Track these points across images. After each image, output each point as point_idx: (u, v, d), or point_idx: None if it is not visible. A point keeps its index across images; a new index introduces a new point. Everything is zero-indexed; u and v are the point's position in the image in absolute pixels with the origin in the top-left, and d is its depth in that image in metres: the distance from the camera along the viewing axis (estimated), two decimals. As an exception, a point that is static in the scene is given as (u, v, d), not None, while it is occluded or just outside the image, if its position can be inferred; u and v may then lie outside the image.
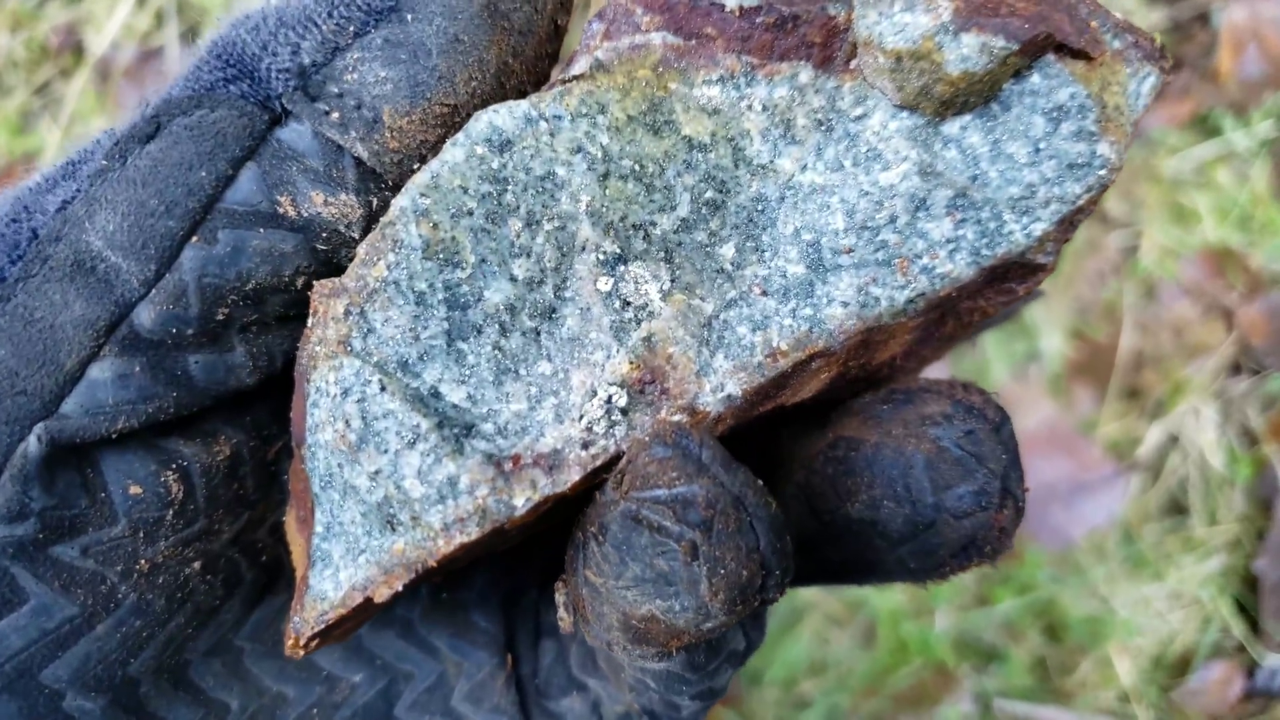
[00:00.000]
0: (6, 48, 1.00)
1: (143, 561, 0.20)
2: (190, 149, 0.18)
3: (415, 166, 0.20)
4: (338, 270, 0.21)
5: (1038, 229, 0.21)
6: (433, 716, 0.25)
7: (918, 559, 0.21)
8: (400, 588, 0.20)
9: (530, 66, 0.21)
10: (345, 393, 0.19)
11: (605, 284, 0.21)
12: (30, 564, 0.18)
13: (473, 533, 0.20)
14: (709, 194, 0.21)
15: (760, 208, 0.22)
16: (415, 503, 0.20)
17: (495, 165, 0.20)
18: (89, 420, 0.18)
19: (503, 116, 0.20)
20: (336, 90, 0.18)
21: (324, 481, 0.20)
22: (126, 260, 0.18)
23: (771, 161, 0.22)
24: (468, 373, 0.20)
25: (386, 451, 0.20)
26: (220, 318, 0.19)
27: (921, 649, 0.79)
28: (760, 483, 0.19)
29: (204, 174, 0.18)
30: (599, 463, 0.20)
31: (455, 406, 0.20)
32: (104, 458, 0.19)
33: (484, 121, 0.19)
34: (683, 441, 0.18)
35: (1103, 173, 0.21)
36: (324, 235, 0.19)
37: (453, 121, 0.19)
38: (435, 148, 0.20)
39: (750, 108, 0.21)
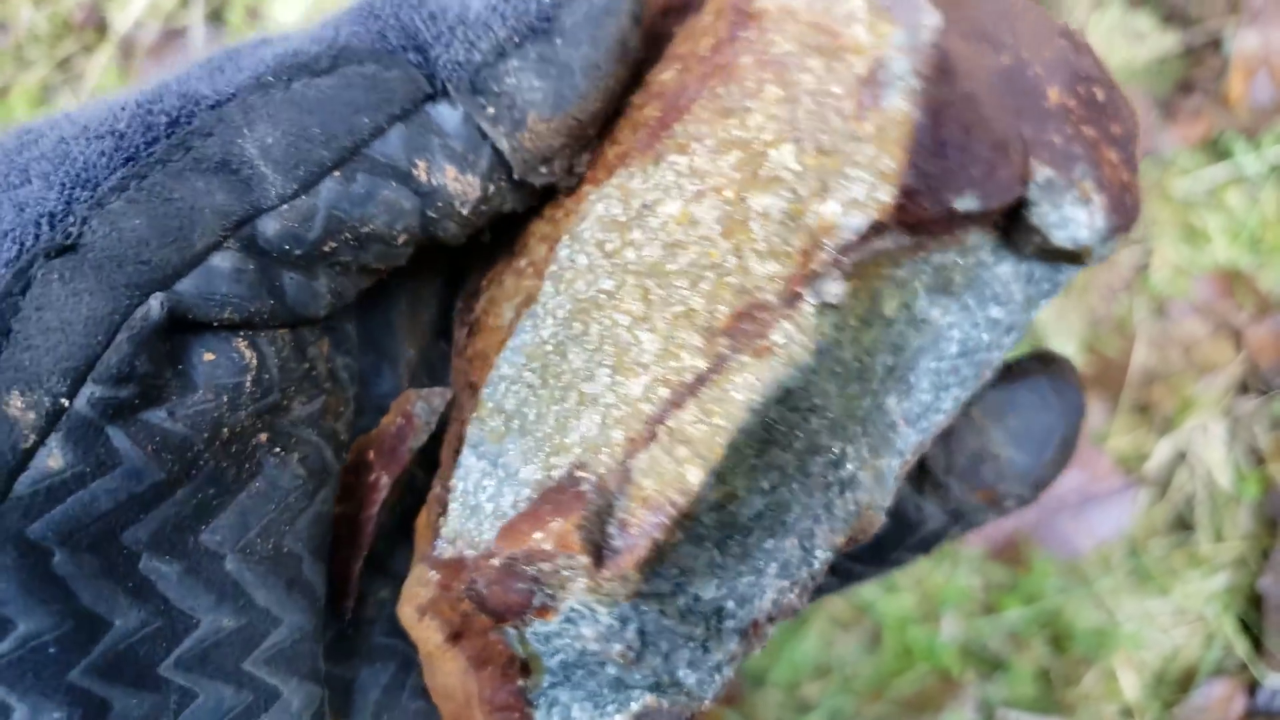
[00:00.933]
0: (29, 21, 0.99)
1: (225, 430, 0.20)
2: (360, 95, 0.20)
3: (540, 169, 0.22)
4: (432, 237, 0.22)
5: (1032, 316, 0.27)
6: None
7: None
8: None
9: (626, 94, 0.24)
10: (624, 623, 0.20)
11: (829, 476, 0.23)
12: (126, 426, 0.19)
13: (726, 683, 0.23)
14: (890, 362, 0.23)
15: (915, 356, 0.24)
16: (690, 686, 0.22)
17: (775, 415, 0.21)
18: (202, 303, 0.19)
19: (792, 376, 0.21)
20: (497, 89, 0.21)
21: (567, 664, 0.21)
22: (275, 173, 0.20)
23: (928, 314, 0.24)
24: (718, 570, 0.21)
25: (660, 653, 0.21)
26: (327, 249, 0.21)
27: (927, 655, 0.79)
28: None
29: (365, 120, 0.20)
30: (803, 602, 0.24)
31: (710, 600, 0.21)
32: (191, 337, 0.20)
33: (774, 384, 0.20)
34: (1069, 367, 0.30)
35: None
36: (439, 205, 0.21)
37: (578, 133, 0.22)
38: (560, 152, 0.22)
39: (925, 270, 0.23)
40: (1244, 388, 0.92)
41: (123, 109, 0.20)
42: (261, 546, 0.22)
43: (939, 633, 0.80)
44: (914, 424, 0.24)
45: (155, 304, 0.19)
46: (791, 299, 0.21)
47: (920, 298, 0.23)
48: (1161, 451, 0.88)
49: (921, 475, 0.28)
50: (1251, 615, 0.82)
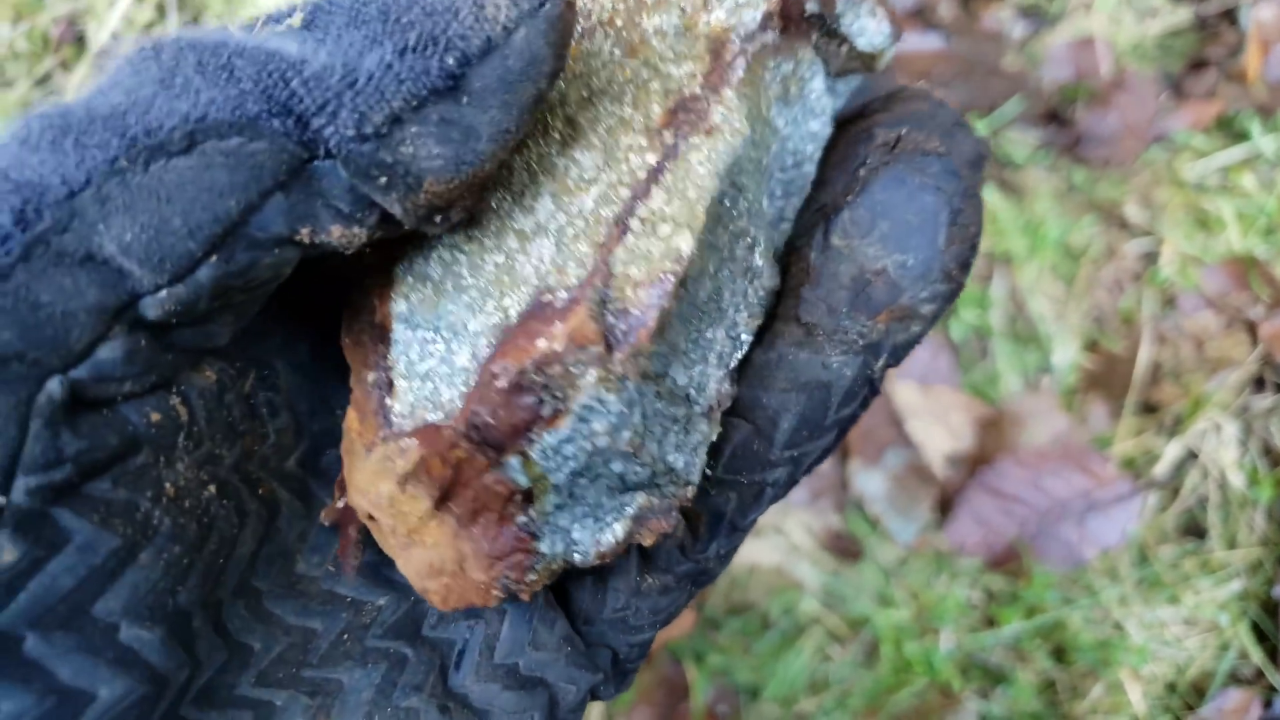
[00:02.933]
0: (8, 39, 0.98)
1: (168, 485, 0.21)
2: (223, 176, 0.18)
3: (435, 219, 0.21)
4: (320, 270, 0.24)
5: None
6: (454, 621, 0.26)
7: None
8: (672, 529, 0.24)
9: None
10: (631, 407, 0.22)
11: (746, 261, 0.25)
12: (69, 504, 0.19)
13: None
14: (763, 160, 0.26)
15: (771, 162, 0.26)
16: (678, 471, 0.24)
17: (729, 189, 0.23)
18: (99, 386, 0.19)
19: (738, 145, 0.23)
20: (390, 160, 0.19)
21: (576, 473, 0.23)
22: (142, 270, 0.18)
23: (776, 123, 0.26)
24: (683, 356, 0.24)
25: (655, 440, 0.23)
26: (217, 306, 0.20)
27: (925, 669, 0.77)
28: None
29: (233, 203, 0.19)
30: (731, 399, 0.26)
31: (683, 385, 0.24)
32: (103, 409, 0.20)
33: (732, 155, 0.23)
34: (944, 112, 0.24)
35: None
36: (325, 249, 0.21)
37: (476, 188, 0.21)
38: (456, 204, 0.21)
39: (775, 81, 0.26)
40: (1259, 384, 0.88)
41: None
42: (231, 600, 0.22)
43: (937, 646, 0.78)
44: (775, 226, 0.27)
45: (55, 386, 0.18)
46: (716, 87, 0.23)
47: (773, 105, 0.26)
48: (1171, 453, 0.85)
49: (808, 332, 0.25)
50: (1267, 622, 0.79)
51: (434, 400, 0.22)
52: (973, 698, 0.77)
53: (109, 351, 0.19)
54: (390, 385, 0.23)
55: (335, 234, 0.20)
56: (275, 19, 0.20)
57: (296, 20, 0.19)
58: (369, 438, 0.23)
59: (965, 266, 0.24)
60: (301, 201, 0.19)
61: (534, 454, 0.22)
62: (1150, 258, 0.96)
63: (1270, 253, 0.94)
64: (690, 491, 0.24)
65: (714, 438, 0.25)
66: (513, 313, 0.22)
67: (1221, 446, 0.84)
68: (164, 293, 0.19)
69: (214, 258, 0.19)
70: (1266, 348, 0.88)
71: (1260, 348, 0.89)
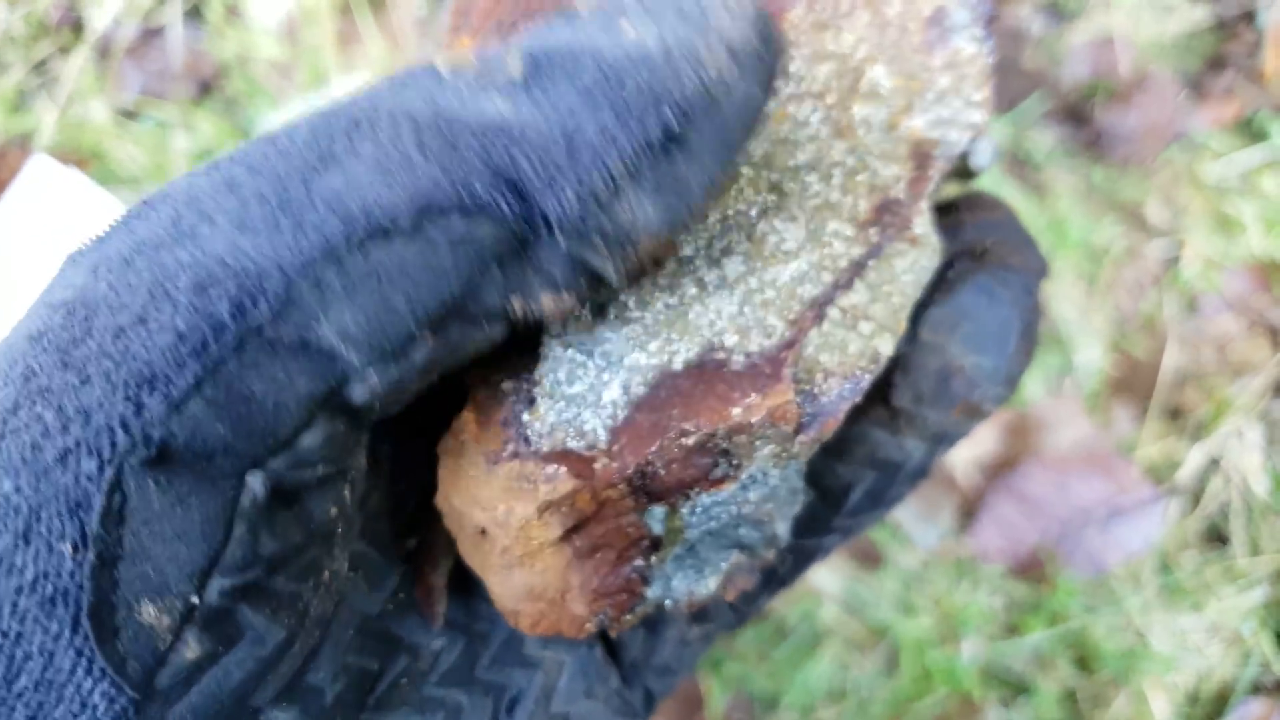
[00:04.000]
0: (5, 23, 0.95)
1: (325, 573, 0.20)
2: (447, 259, 0.18)
3: (640, 273, 0.21)
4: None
5: None
6: (509, 666, 0.26)
7: None
8: (750, 589, 0.26)
9: None
10: (785, 480, 0.23)
11: None
12: (250, 599, 0.19)
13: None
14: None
15: None
16: (780, 537, 0.25)
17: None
18: (294, 473, 0.18)
19: (936, 259, 0.25)
20: (609, 228, 0.18)
21: (711, 533, 0.23)
22: (359, 355, 0.18)
23: None
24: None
25: (780, 511, 0.24)
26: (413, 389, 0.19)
27: (947, 679, 0.76)
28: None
29: (456, 284, 0.18)
30: None
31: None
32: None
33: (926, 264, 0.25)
34: (1026, 237, 0.27)
35: None
36: (526, 324, 0.20)
37: (680, 232, 0.20)
38: (661, 260, 0.22)
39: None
40: (1282, 389, 0.87)
41: (177, 289, 0.17)
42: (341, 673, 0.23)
43: (959, 655, 0.77)
44: None
45: (257, 485, 0.18)
46: (917, 197, 0.24)
47: None
48: (1194, 459, 0.83)
49: (893, 415, 0.27)
50: (1290, 632, 0.78)
51: (576, 427, 0.22)
52: (995, 707, 0.76)
53: (310, 440, 0.18)
54: (532, 400, 0.22)
55: (547, 303, 0.20)
56: (491, 64, 0.19)
57: (515, 70, 0.18)
58: (491, 446, 0.22)
59: (1017, 379, 0.27)
60: (516, 273, 0.19)
61: (683, 509, 0.22)
62: (1172, 260, 0.95)
63: (1292, 256, 0.93)
64: (773, 554, 0.25)
65: None
66: (678, 360, 0.21)
67: (1245, 453, 0.83)
68: (374, 376, 0.18)
69: (430, 337, 0.18)
70: (1290, 353, 0.87)
71: (1283, 352, 0.88)
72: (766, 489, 0.22)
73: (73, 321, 0.17)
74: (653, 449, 0.21)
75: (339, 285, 0.17)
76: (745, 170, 0.24)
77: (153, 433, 0.17)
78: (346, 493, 0.20)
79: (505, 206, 0.18)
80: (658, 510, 0.22)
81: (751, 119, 0.19)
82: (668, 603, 0.25)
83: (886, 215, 0.23)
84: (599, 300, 0.22)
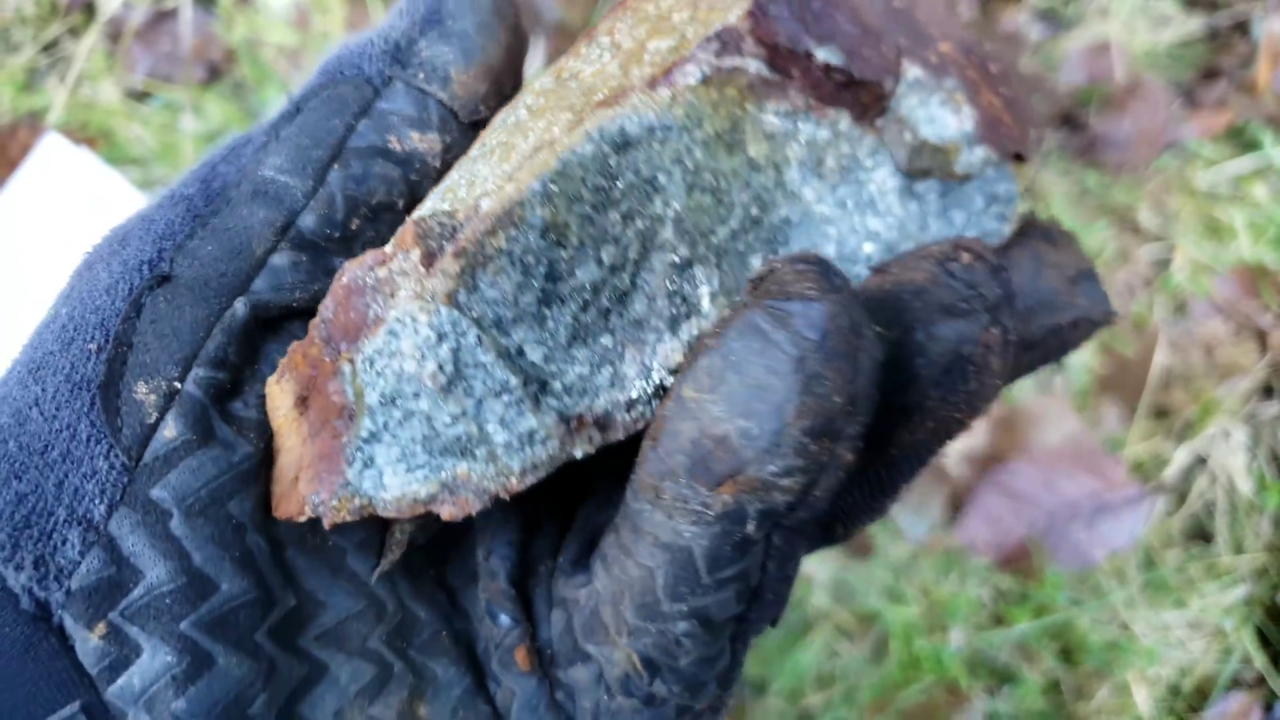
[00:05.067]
0: (15, 3, 0.96)
1: None
2: (324, 111, 0.27)
3: (480, 109, 0.28)
4: (418, 199, 0.27)
5: None
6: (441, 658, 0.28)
7: (900, 391, 0.22)
8: (474, 513, 0.23)
9: (522, 47, 0.30)
10: (440, 338, 0.22)
11: (673, 282, 0.24)
12: (219, 411, 0.24)
13: (541, 475, 0.23)
14: (754, 210, 0.26)
15: (783, 227, 0.26)
16: (498, 446, 0.23)
17: (613, 163, 0.23)
18: (275, 294, 0.25)
19: (633, 123, 0.23)
20: (418, 60, 0.28)
21: (385, 398, 0.23)
22: (291, 178, 0.26)
23: (799, 189, 0.26)
24: (547, 336, 0.23)
25: (473, 396, 0.23)
26: (353, 228, 0.26)
27: (934, 666, 0.77)
28: (877, 327, 0.20)
29: (336, 123, 0.27)
30: (639, 426, 0.24)
31: (534, 365, 0.23)
32: (263, 340, 0.25)
33: (617, 125, 0.23)
34: (822, 262, 0.20)
35: (997, 240, 0.28)
36: (416, 166, 0.27)
37: (495, 78, 0.28)
38: (486, 96, 0.28)
39: (797, 140, 0.26)
40: (1268, 391, 0.88)
41: (185, 185, 0.27)
42: (311, 535, 0.25)
43: (947, 643, 0.78)
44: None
45: (240, 305, 0.24)
46: (652, 83, 0.24)
47: (791, 167, 0.26)
48: (1180, 458, 0.85)
49: (657, 493, 0.22)
50: (1271, 628, 0.80)
51: None
52: (980, 696, 0.77)
53: (279, 259, 0.25)
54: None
55: (416, 138, 0.27)
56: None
57: None
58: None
59: (832, 437, 0.19)
60: (380, 119, 0.27)
61: (359, 364, 0.23)
62: (1163, 264, 0.96)
63: (1280, 262, 0.95)
64: (513, 483, 0.22)
65: (571, 453, 0.23)
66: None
67: (1230, 453, 0.85)
68: (313, 201, 0.26)
69: (336, 165, 0.26)
70: (1276, 356, 0.89)
71: (1269, 356, 0.89)
72: (419, 339, 0.22)
73: (117, 227, 0.27)
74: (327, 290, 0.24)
75: (268, 149, 0.27)
76: (536, 113, 0.25)
77: (164, 266, 0.25)
78: None
79: (348, 73, 0.28)
80: (345, 370, 0.22)
81: None
82: (379, 498, 0.23)
83: (610, 102, 0.24)
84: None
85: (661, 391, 0.24)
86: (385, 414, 0.23)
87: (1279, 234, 0.96)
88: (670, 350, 0.24)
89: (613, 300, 0.24)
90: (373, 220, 0.26)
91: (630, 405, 0.24)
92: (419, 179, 0.27)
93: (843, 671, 0.78)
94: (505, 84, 0.29)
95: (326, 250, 0.26)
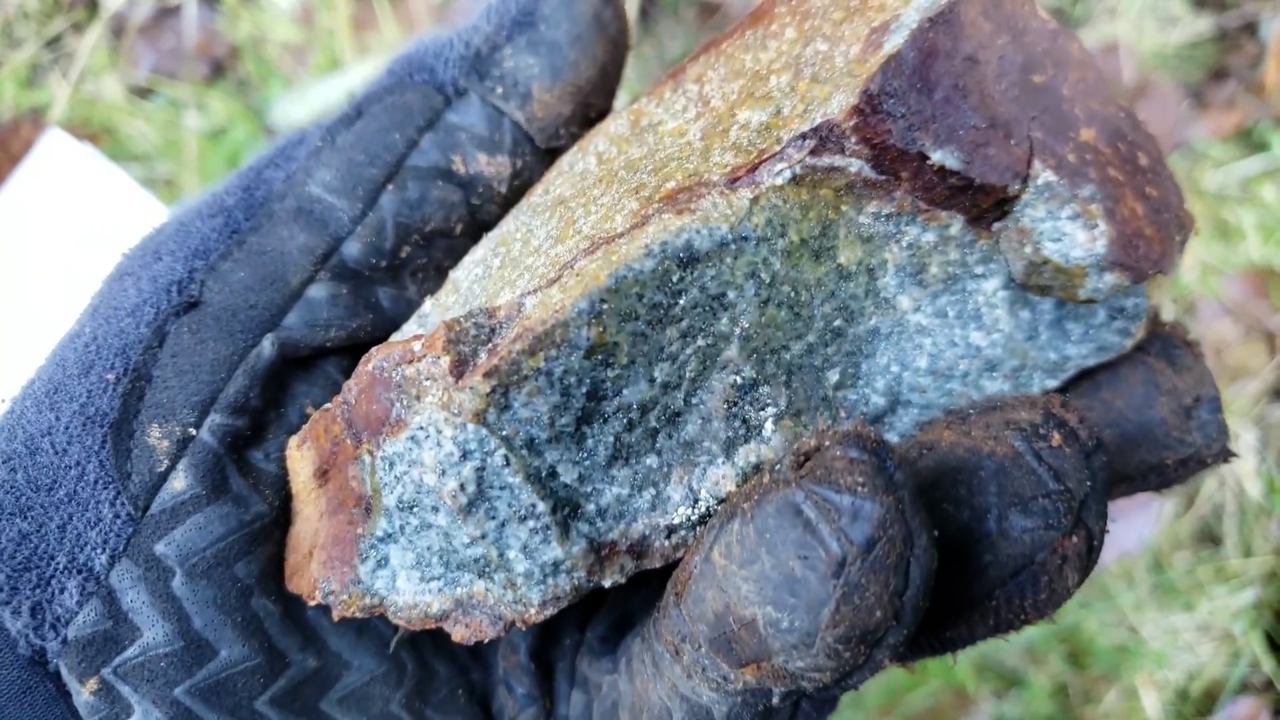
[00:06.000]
0: (18, -2, 0.96)
1: None
2: (386, 121, 0.25)
3: (560, 133, 0.26)
4: (484, 222, 0.25)
5: (1050, 385, 0.24)
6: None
7: (963, 582, 0.20)
8: (486, 640, 0.21)
9: (619, 65, 0.27)
10: (465, 455, 0.20)
11: (733, 403, 0.22)
12: (235, 461, 0.23)
13: (563, 605, 0.21)
14: (837, 322, 0.23)
15: (870, 339, 0.23)
16: (518, 575, 0.21)
17: (676, 279, 0.20)
18: (309, 332, 0.23)
19: (702, 238, 0.20)
20: (499, 72, 0.25)
21: (403, 504, 0.21)
22: (339, 199, 0.24)
23: (894, 297, 0.23)
24: (584, 455, 0.21)
25: (495, 519, 0.21)
26: (404, 255, 0.25)
27: (940, 670, 0.76)
28: (935, 532, 0.18)
29: (397, 137, 0.25)
30: (678, 555, 0.22)
31: (566, 486, 0.21)
32: (293, 380, 0.23)
33: (683, 240, 0.20)
34: (881, 453, 0.17)
35: (1114, 354, 0.25)
36: (480, 190, 0.25)
37: (580, 99, 0.26)
38: (569, 120, 0.26)
39: (898, 243, 0.22)
40: (1276, 394, 0.88)
41: (228, 193, 0.25)
42: None
43: (953, 647, 0.78)
44: (828, 404, 0.23)
45: (267, 343, 0.23)
46: (732, 181, 0.21)
47: (888, 273, 0.23)
48: (1189, 460, 0.85)
49: (677, 650, 0.21)
50: None
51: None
52: (988, 699, 0.77)
53: (317, 291, 0.23)
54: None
55: (483, 161, 0.25)
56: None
57: None
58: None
59: (871, 644, 0.17)
60: (448, 135, 0.25)
61: (379, 459, 0.21)
62: (1171, 265, 0.96)
63: (1289, 264, 0.94)
64: (531, 614, 0.21)
65: (600, 582, 0.21)
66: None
67: (1239, 455, 0.84)
68: (360, 228, 0.23)
69: (391, 186, 0.24)
70: (1285, 359, 0.88)
71: (1279, 358, 0.89)
72: (442, 454, 0.20)
73: (158, 226, 0.25)
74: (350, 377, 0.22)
75: (319, 160, 0.24)
76: (607, 175, 0.23)
77: (193, 290, 0.23)
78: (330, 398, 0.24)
79: (418, 78, 0.25)
80: (365, 459, 0.21)
81: None
82: (390, 603, 0.22)
83: (683, 196, 0.21)
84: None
85: (707, 520, 0.22)
86: (402, 519, 0.21)
87: (1288, 235, 0.96)
88: (722, 475, 0.22)
89: (662, 420, 0.21)
90: (426, 247, 0.25)
91: (671, 531, 0.22)
92: (481, 203, 0.25)
93: (849, 674, 0.77)
94: (593, 107, 0.26)
95: (371, 280, 0.24)
